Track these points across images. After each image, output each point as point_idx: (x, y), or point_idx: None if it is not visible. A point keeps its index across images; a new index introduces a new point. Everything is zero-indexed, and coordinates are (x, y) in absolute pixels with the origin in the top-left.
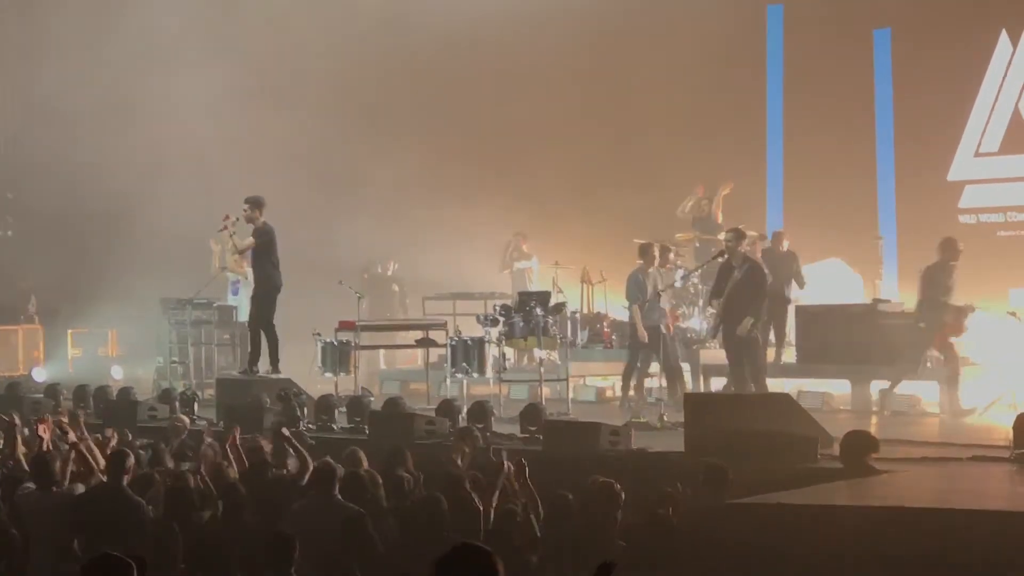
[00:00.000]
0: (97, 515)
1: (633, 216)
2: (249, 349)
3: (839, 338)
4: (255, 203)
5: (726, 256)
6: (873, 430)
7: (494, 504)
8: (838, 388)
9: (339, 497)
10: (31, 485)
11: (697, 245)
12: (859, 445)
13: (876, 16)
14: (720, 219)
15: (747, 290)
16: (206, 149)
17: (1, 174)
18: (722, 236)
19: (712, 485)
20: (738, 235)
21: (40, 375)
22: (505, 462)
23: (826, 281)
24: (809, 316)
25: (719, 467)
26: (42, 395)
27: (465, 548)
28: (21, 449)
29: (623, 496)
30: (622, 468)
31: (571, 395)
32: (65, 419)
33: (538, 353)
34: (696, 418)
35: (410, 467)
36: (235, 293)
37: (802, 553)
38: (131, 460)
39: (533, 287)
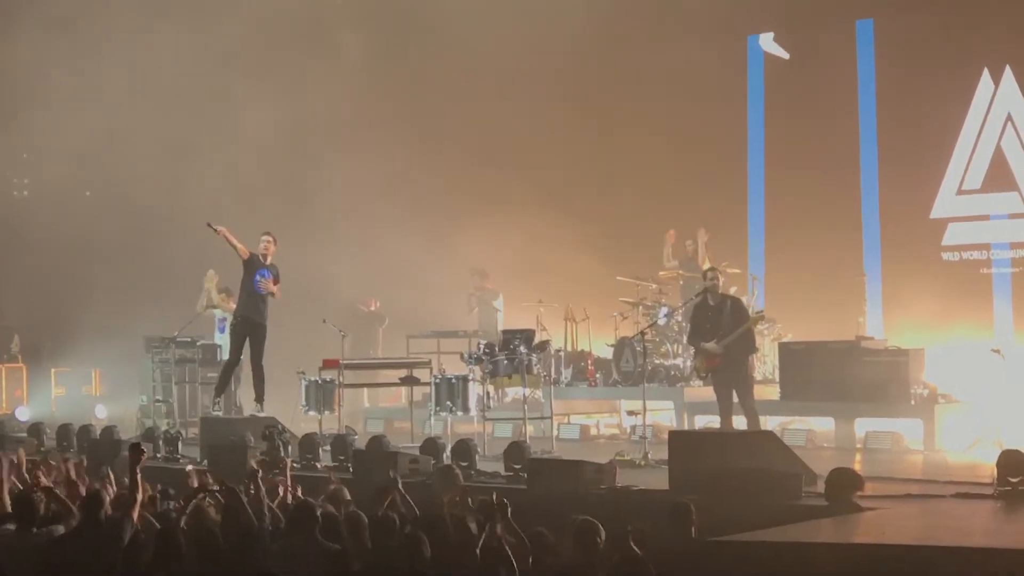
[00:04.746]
0: (73, 556)
1: (616, 254)
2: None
3: (822, 375)
4: (275, 240)
5: (700, 297)
6: (857, 467)
7: (479, 544)
8: (822, 425)
9: (319, 537)
10: (11, 526)
11: (681, 283)
12: (844, 482)
13: (859, 54)
14: (706, 263)
15: (740, 324)
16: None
17: None
18: (706, 271)
19: (677, 523)
20: (718, 273)
21: (23, 414)
22: (491, 501)
23: None
24: (792, 353)
25: (683, 505)
26: (25, 434)
27: None
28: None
29: (603, 534)
30: (606, 506)
31: (555, 433)
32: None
33: (522, 391)
34: (680, 456)
35: (397, 506)
36: (222, 331)
37: None
38: (107, 499)
39: (500, 326)
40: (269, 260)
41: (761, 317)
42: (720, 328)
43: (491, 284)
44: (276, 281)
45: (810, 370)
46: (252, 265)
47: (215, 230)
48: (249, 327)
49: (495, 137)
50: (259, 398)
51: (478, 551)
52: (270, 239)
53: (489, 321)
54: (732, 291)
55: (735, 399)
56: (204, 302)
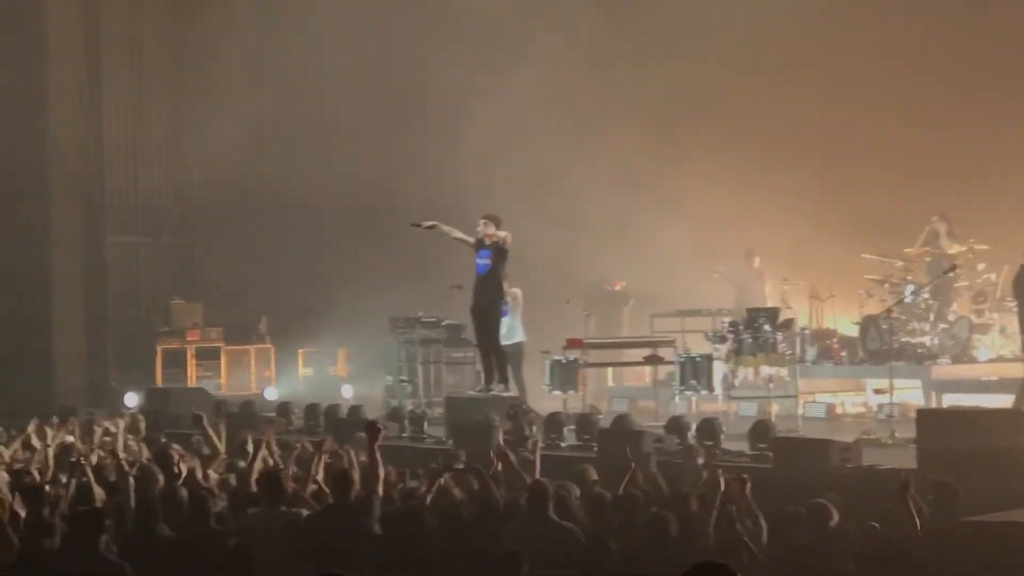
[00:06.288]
0: (325, 537)
1: (860, 231)
2: (482, 368)
3: None
4: (494, 219)
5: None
6: None
7: (721, 523)
8: None
9: (554, 517)
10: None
11: (928, 260)
12: None
13: None
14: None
15: None
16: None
17: (231, 195)
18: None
19: (942, 504)
20: None
21: (272, 394)
22: (721, 479)
23: None
24: None
25: (948, 485)
26: (274, 414)
27: (705, 566)
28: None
29: (835, 516)
30: (852, 485)
31: (800, 412)
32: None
33: (766, 370)
34: (928, 435)
35: (640, 484)
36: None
37: None
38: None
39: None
40: (488, 241)
41: None
42: None
43: (758, 265)
44: (495, 259)
45: None
46: (476, 249)
47: (424, 227)
48: (477, 311)
49: (740, 116)
50: (501, 379)
51: (718, 530)
52: (484, 221)
53: (753, 303)
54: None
55: None
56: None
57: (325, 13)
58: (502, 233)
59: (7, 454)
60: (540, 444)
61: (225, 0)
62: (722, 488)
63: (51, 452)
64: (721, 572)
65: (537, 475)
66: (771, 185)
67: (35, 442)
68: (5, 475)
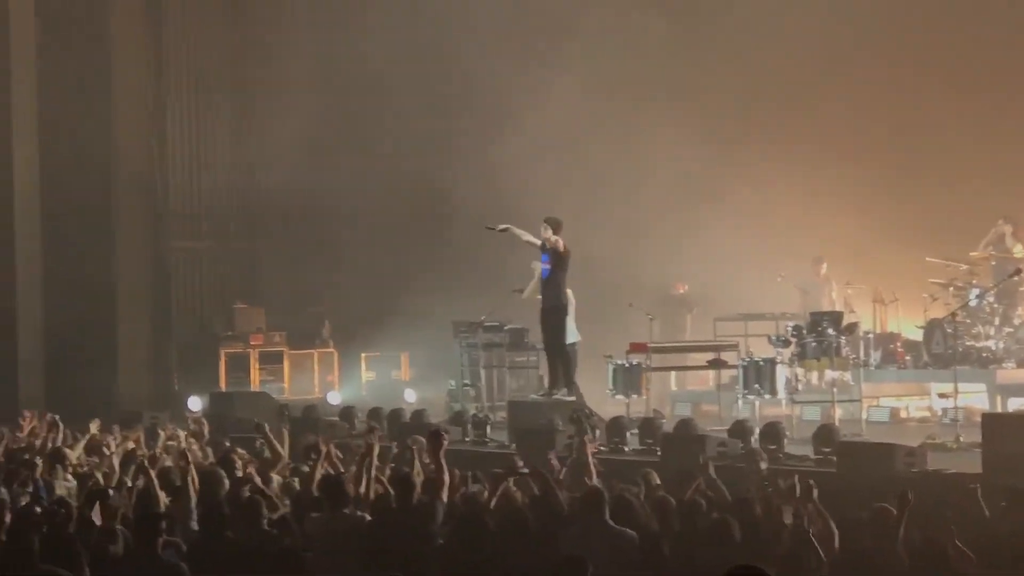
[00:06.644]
0: (388, 541)
1: (925, 234)
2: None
3: None
4: (551, 223)
5: None
6: None
7: (787, 526)
8: None
9: (610, 522)
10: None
11: (993, 264)
12: None
13: None
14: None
15: None
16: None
17: (293, 199)
18: None
19: (1014, 508)
20: None
21: (335, 398)
22: (797, 484)
23: None
24: None
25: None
26: (337, 418)
27: (742, 569)
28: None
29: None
30: (917, 490)
31: (864, 416)
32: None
33: (830, 374)
34: (993, 439)
35: (703, 489)
36: None
37: None
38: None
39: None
40: (548, 245)
41: None
42: None
43: (825, 272)
44: (553, 263)
45: None
46: (541, 253)
47: (498, 230)
48: (541, 315)
49: (803, 117)
50: (566, 383)
51: (785, 535)
52: (544, 224)
53: (819, 308)
54: None
55: None
56: (533, 287)
57: (384, 16)
58: (554, 238)
59: (73, 457)
60: (601, 448)
61: (286, 5)
62: (798, 493)
63: (116, 457)
64: (756, 575)
65: (593, 478)
66: (835, 188)
67: (101, 445)
68: (72, 481)
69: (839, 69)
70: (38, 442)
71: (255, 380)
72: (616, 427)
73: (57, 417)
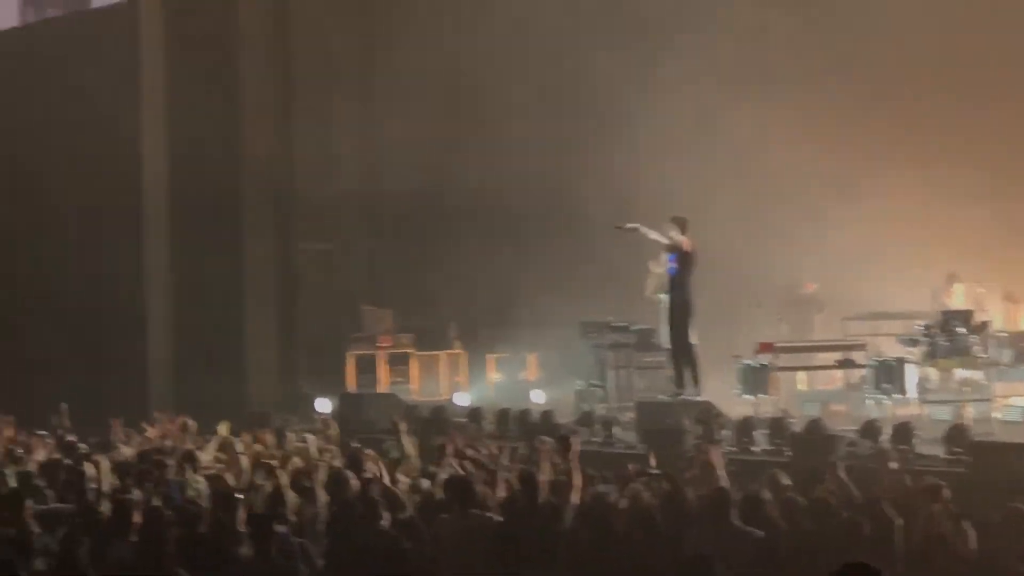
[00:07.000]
0: (517, 542)
1: None
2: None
3: None
4: (677, 222)
5: None
6: None
7: (917, 527)
8: None
9: (736, 521)
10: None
11: None
12: None
13: None
14: None
15: None
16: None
17: (419, 201)
18: None
19: None
20: None
21: (463, 400)
22: (927, 485)
23: None
24: None
25: None
26: (465, 419)
27: (852, 567)
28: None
29: None
30: None
31: (996, 415)
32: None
33: (961, 373)
34: None
35: (832, 489)
36: None
37: None
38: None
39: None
40: (675, 246)
41: None
42: None
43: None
44: (678, 263)
45: None
46: (668, 252)
47: (626, 229)
48: (670, 313)
49: (925, 112)
50: (693, 382)
51: (915, 536)
52: (670, 223)
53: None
54: None
55: None
56: (653, 286)
57: (508, 18)
58: (679, 237)
59: (204, 458)
60: (728, 448)
61: (411, 8)
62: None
63: (246, 459)
64: (869, 573)
65: (721, 479)
66: (964, 185)
67: (231, 445)
68: (203, 482)
69: (963, 63)
70: (169, 443)
71: (383, 381)
72: (744, 427)
73: (189, 420)
